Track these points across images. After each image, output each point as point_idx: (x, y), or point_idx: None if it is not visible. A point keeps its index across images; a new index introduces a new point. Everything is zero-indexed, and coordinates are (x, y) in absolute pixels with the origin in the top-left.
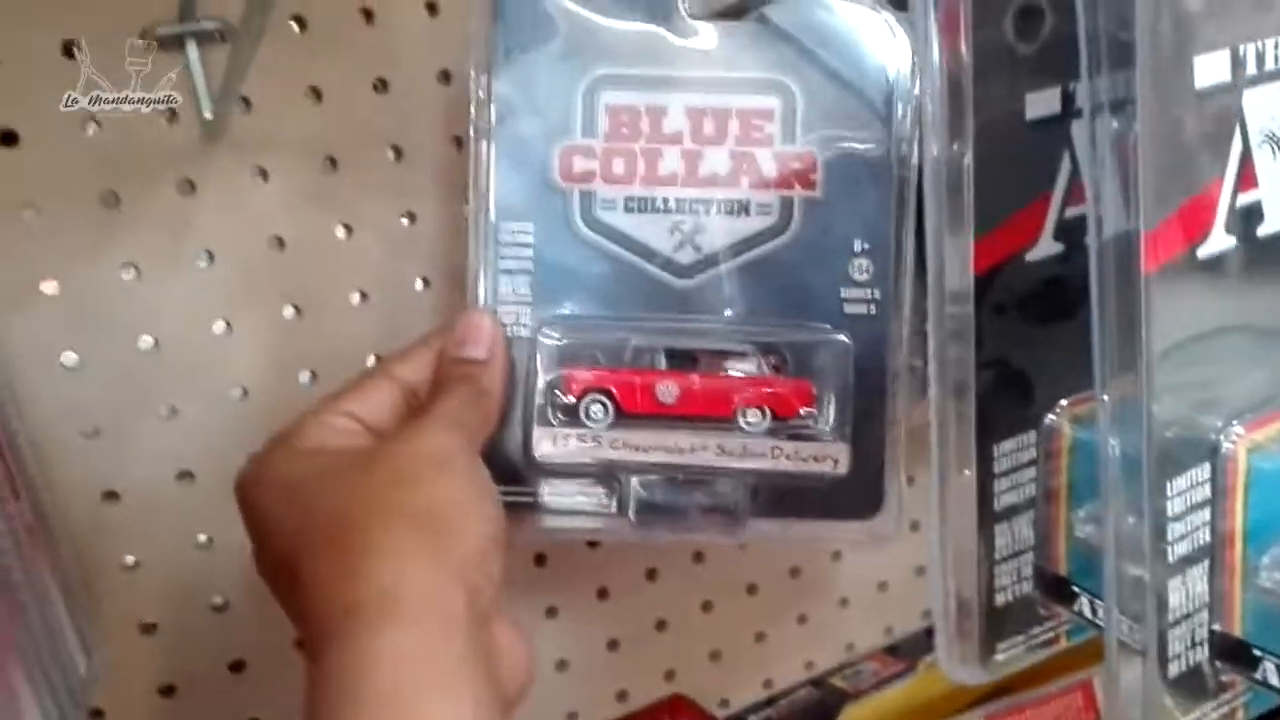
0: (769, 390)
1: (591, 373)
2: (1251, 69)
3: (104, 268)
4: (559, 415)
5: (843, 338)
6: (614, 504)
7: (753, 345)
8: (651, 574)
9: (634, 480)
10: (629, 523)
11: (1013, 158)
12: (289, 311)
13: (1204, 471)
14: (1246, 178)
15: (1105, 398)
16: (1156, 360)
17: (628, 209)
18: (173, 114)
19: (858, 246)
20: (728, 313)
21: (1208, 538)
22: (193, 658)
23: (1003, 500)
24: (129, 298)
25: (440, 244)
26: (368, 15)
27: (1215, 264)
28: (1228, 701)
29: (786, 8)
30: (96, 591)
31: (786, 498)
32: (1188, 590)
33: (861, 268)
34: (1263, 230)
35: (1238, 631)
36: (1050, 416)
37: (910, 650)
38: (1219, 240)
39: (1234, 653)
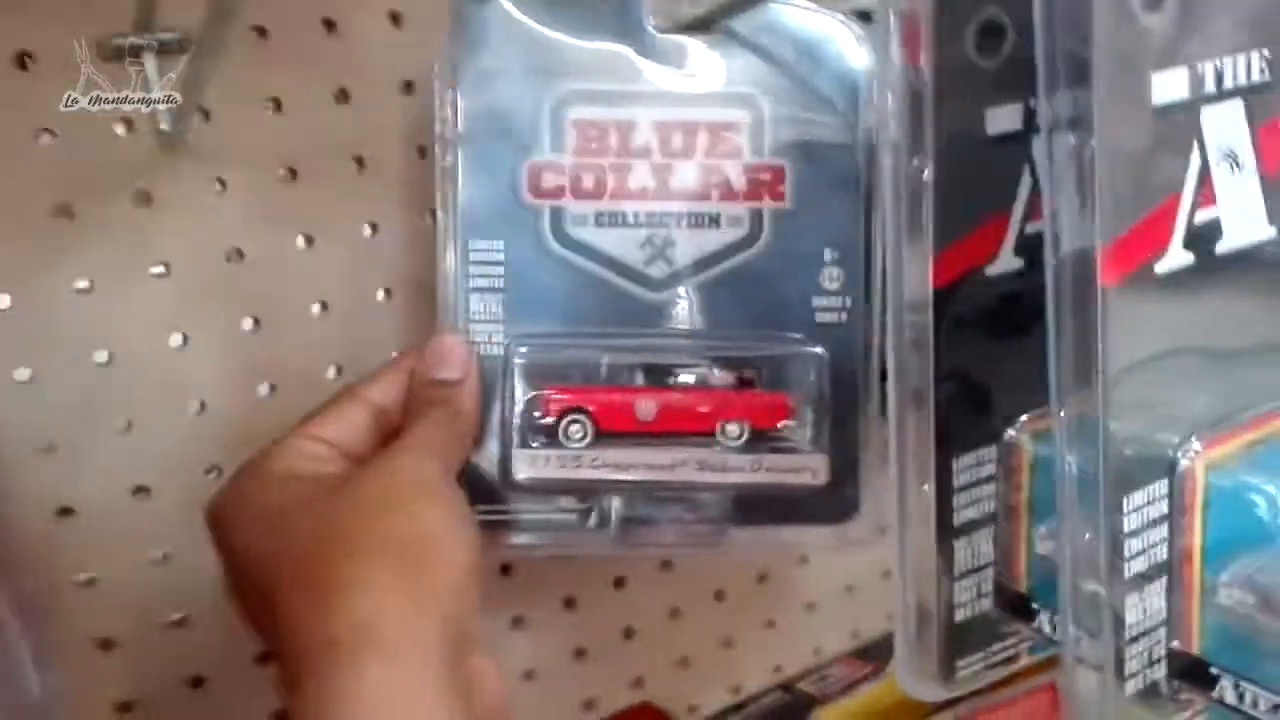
0: (747, 404)
1: (568, 393)
2: (1210, 87)
3: (57, 281)
4: (537, 436)
5: (818, 349)
6: (593, 519)
7: (728, 359)
8: (619, 582)
9: (615, 498)
10: (609, 539)
11: (973, 172)
12: (248, 323)
13: (1162, 488)
14: (1205, 194)
15: (1061, 414)
16: (1114, 375)
17: (598, 224)
18: (129, 124)
19: (828, 255)
20: (701, 325)
21: (1165, 555)
22: (151, 674)
23: (962, 515)
24: (83, 311)
25: (402, 254)
26: (329, 25)
27: (1173, 280)
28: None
29: (752, 20)
30: (52, 608)
31: (763, 506)
32: (1145, 607)
33: (832, 276)
34: (1221, 246)
35: (1196, 649)
36: (1010, 432)
37: (878, 653)
38: (1177, 256)
39: (1192, 671)
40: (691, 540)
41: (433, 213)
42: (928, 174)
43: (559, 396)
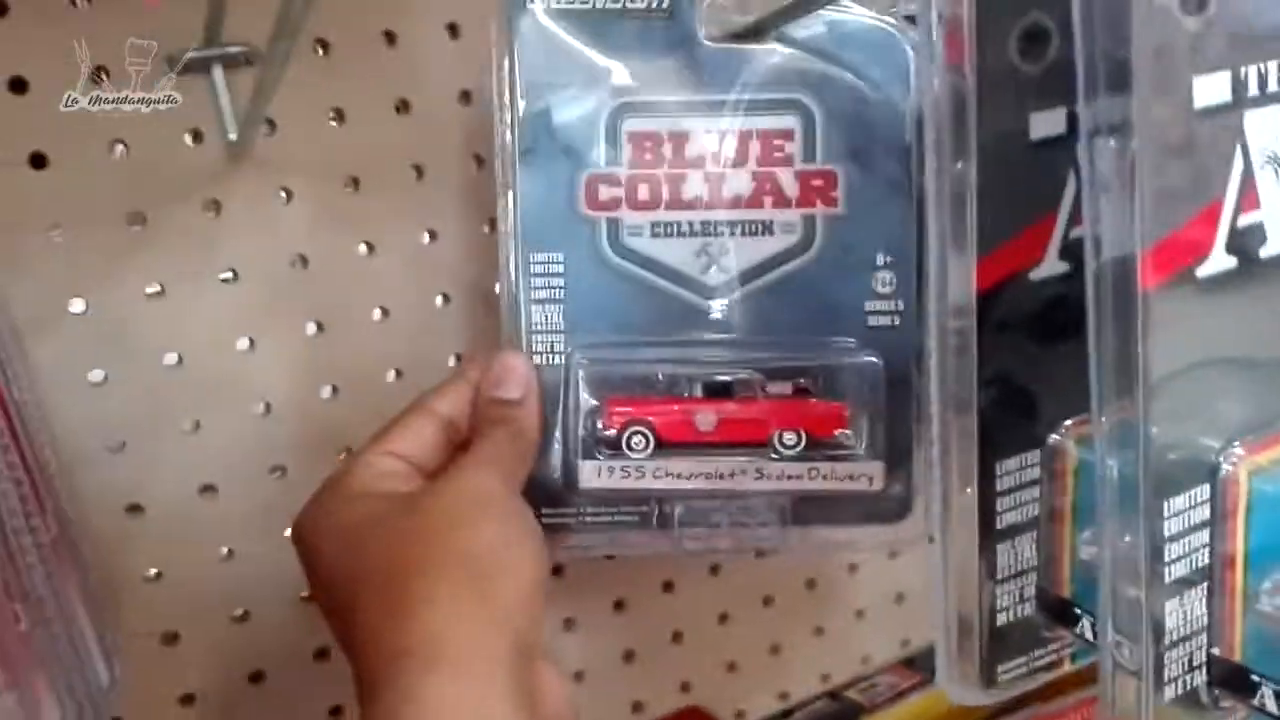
0: (804, 414)
1: (631, 405)
2: (1254, 90)
3: (130, 286)
4: (600, 447)
5: (873, 358)
6: (654, 520)
7: (785, 369)
8: (668, 585)
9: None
10: (669, 540)
11: (1017, 177)
12: (311, 328)
13: (1203, 492)
14: (1249, 199)
15: (1103, 418)
16: (1155, 380)
17: (654, 234)
18: (197, 135)
19: (880, 260)
20: (756, 331)
21: (1207, 560)
22: (213, 668)
23: (1005, 519)
24: (154, 315)
25: (461, 261)
26: (390, 37)
27: (1215, 284)
28: None
29: (803, 28)
30: (120, 602)
31: (817, 508)
32: (1185, 612)
33: (885, 280)
34: (1265, 251)
35: (1237, 656)
36: (1054, 436)
37: (927, 663)
38: (1219, 260)
39: (1232, 678)
40: (747, 543)
41: (491, 221)
42: (971, 177)
43: (622, 409)
